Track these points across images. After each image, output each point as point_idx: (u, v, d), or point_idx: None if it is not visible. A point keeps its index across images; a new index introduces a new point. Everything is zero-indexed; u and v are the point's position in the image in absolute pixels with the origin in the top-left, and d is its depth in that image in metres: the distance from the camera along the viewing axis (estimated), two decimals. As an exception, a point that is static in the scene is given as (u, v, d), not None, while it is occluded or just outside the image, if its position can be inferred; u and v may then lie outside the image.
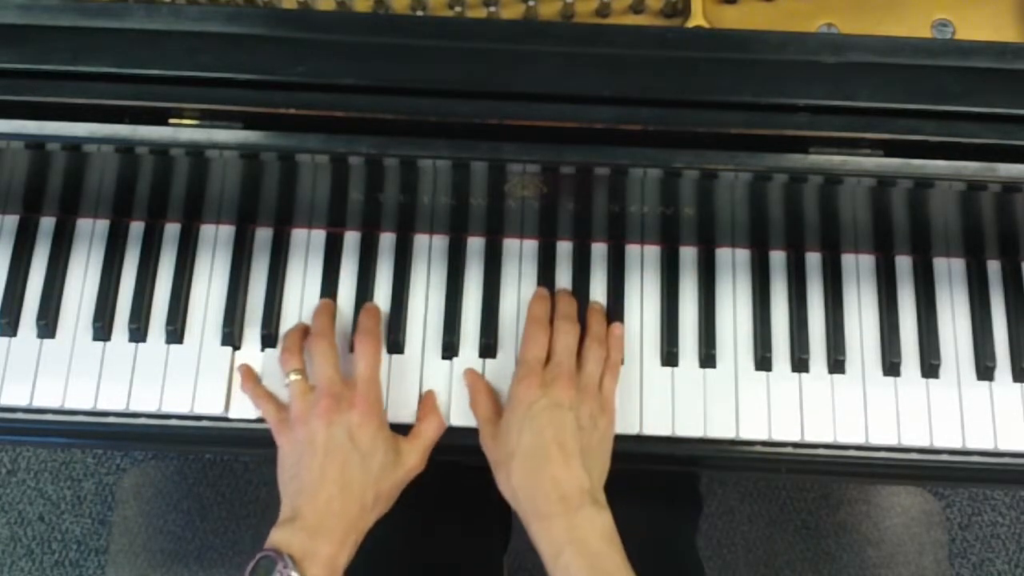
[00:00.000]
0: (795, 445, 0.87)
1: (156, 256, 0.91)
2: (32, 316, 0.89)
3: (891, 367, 0.88)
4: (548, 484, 0.76)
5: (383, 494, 0.80)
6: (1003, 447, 0.86)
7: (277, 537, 0.75)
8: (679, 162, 0.75)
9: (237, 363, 0.88)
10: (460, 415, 0.87)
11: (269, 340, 0.88)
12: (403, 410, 0.87)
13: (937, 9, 0.84)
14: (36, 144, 0.77)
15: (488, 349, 0.88)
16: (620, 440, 0.86)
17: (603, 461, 0.81)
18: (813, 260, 0.91)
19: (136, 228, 0.92)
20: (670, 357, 0.88)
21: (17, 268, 0.90)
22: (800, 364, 0.88)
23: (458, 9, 0.84)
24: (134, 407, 0.87)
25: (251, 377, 0.87)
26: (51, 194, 0.89)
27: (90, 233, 0.91)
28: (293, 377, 0.83)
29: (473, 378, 0.86)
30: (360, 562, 1.01)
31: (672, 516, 1.04)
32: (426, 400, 0.86)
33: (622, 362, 0.87)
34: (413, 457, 0.83)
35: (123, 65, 0.74)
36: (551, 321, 0.86)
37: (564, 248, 0.91)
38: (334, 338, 0.85)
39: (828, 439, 0.86)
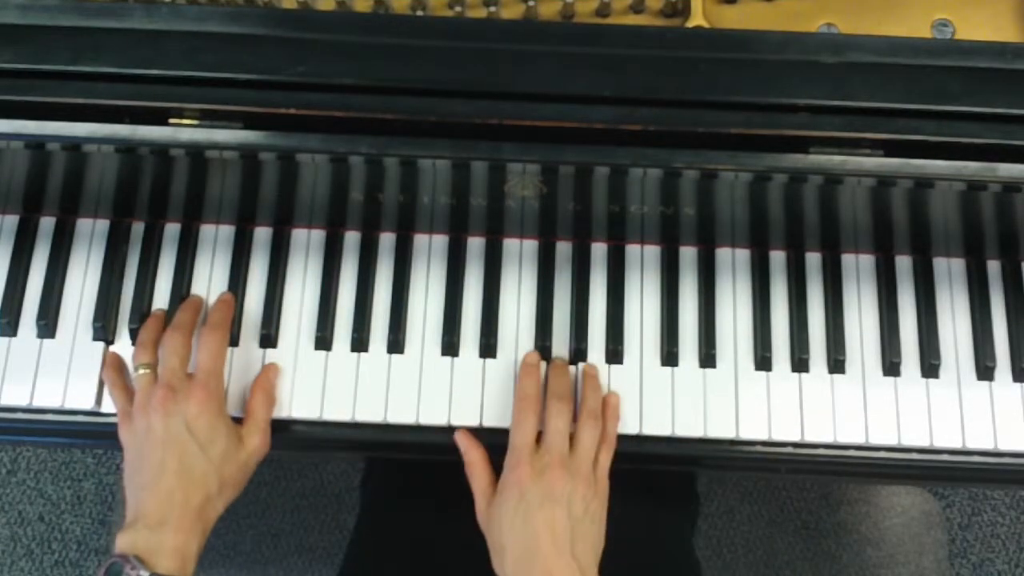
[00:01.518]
0: (795, 445, 0.87)
1: (156, 256, 0.91)
2: (32, 316, 0.89)
3: (891, 367, 0.88)
4: None
5: (228, 480, 0.81)
6: (1003, 447, 0.86)
7: (122, 542, 0.76)
8: (679, 162, 0.75)
9: (237, 363, 0.88)
10: (461, 415, 0.87)
11: (268, 340, 0.88)
12: (403, 411, 0.87)
13: (937, 9, 0.84)
14: (36, 144, 0.77)
15: (488, 349, 0.88)
16: (620, 440, 0.86)
17: (596, 544, 0.80)
18: (813, 260, 0.91)
19: (136, 228, 0.92)
20: (670, 357, 0.88)
21: (17, 268, 0.90)
22: (800, 364, 0.88)
23: (458, 9, 0.84)
24: (134, 407, 0.87)
25: (114, 365, 0.87)
26: (51, 194, 0.89)
27: (90, 233, 0.91)
28: (141, 371, 0.84)
29: (468, 444, 0.85)
30: (359, 561, 1.01)
31: (670, 516, 1.04)
32: (256, 381, 0.86)
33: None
34: (254, 439, 0.83)
35: (123, 65, 0.74)
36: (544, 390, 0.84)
37: (564, 248, 0.91)
38: (190, 334, 0.85)
39: (828, 439, 0.86)
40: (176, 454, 0.78)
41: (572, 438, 0.82)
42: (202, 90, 0.74)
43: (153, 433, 0.79)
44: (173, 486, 0.78)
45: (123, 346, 0.89)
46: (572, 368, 0.87)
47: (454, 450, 0.86)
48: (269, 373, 0.87)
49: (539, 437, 0.82)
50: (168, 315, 0.88)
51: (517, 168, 0.78)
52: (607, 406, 0.85)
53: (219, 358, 0.84)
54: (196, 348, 0.84)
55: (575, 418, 0.84)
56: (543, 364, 0.87)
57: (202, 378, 0.82)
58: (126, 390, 0.85)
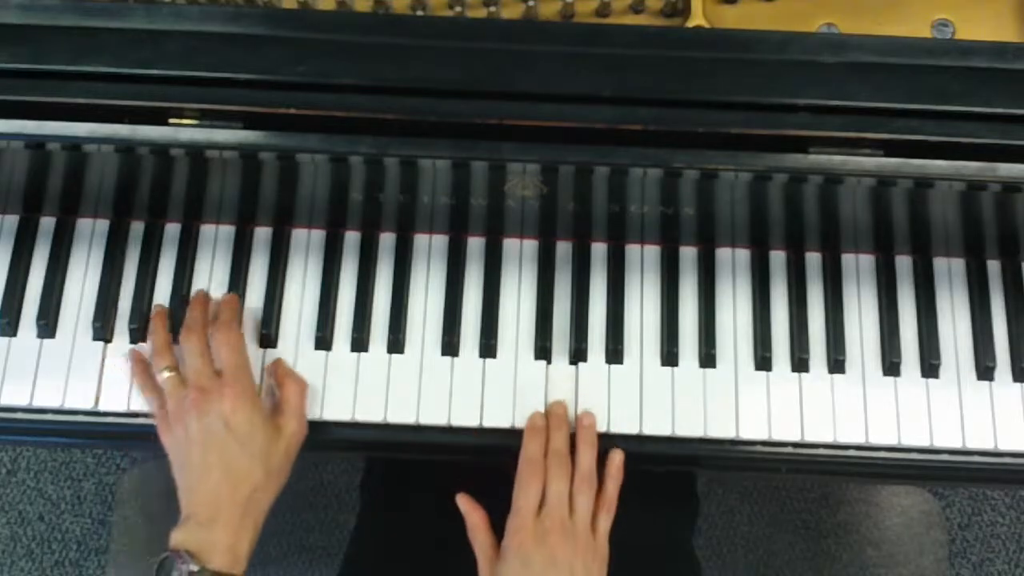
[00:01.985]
0: (795, 445, 0.87)
1: (156, 256, 0.91)
2: (32, 316, 0.89)
3: (891, 367, 0.88)
4: None
5: (272, 470, 0.81)
6: (1003, 447, 0.86)
7: (175, 538, 0.77)
8: (679, 162, 0.75)
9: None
10: (461, 415, 0.87)
11: (268, 340, 0.88)
12: (404, 411, 0.87)
13: (937, 9, 0.84)
14: (36, 144, 0.77)
15: (488, 349, 0.88)
16: (620, 440, 0.86)
17: None
18: (813, 260, 0.91)
19: (136, 228, 0.91)
20: (670, 357, 0.88)
21: (17, 268, 0.90)
22: (800, 364, 0.88)
23: (458, 9, 0.84)
24: (134, 407, 0.87)
25: (142, 364, 0.87)
26: (51, 194, 0.89)
27: (90, 233, 0.91)
28: (165, 375, 0.84)
29: (469, 508, 0.85)
30: (359, 561, 1.01)
31: (670, 516, 1.04)
32: (278, 369, 0.87)
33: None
34: (291, 424, 0.83)
35: (123, 65, 0.74)
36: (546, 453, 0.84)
37: (564, 248, 0.91)
38: (205, 331, 0.85)
39: (828, 439, 0.86)
40: (217, 453, 0.79)
41: (571, 500, 0.82)
42: (202, 90, 0.74)
43: (192, 436, 0.80)
44: (219, 484, 0.78)
45: (122, 346, 0.88)
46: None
47: (454, 450, 0.86)
48: (282, 362, 0.87)
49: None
50: (173, 315, 0.88)
51: (517, 168, 0.78)
52: (610, 464, 0.84)
53: (241, 352, 0.84)
54: (214, 347, 0.84)
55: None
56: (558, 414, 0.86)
57: (231, 374, 0.82)
58: (158, 390, 0.85)
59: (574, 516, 0.81)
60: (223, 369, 0.83)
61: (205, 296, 0.88)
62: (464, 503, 0.85)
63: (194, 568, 0.74)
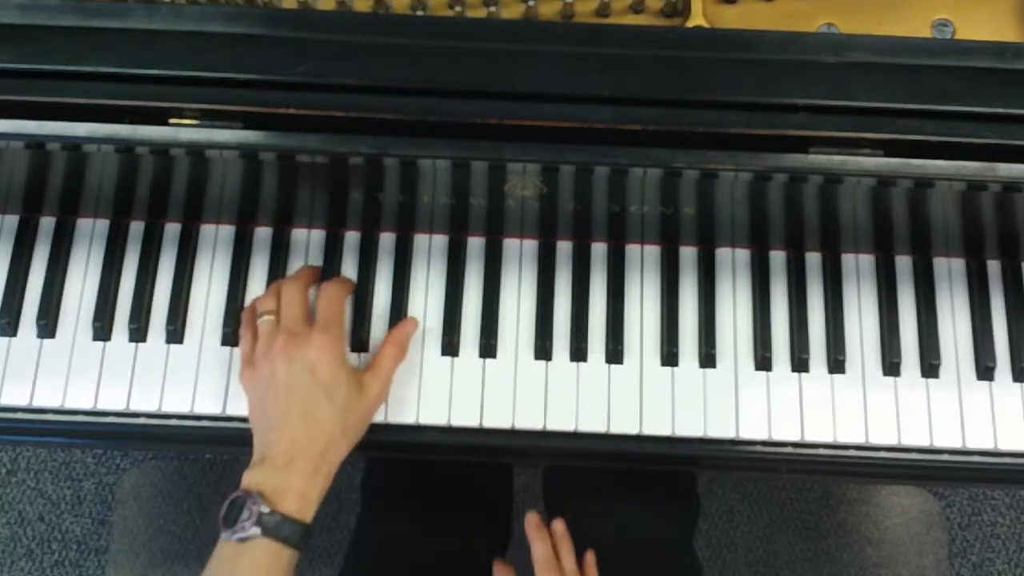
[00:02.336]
0: (795, 445, 0.87)
1: (156, 256, 0.91)
2: (32, 316, 0.89)
3: (891, 367, 0.88)
4: None
5: (351, 425, 0.81)
6: (1003, 447, 0.86)
7: (248, 479, 0.77)
8: (679, 162, 0.75)
9: (237, 363, 0.88)
10: (460, 415, 0.87)
11: (269, 340, 0.88)
12: (404, 411, 0.87)
13: (937, 9, 0.84)
14: (36, 144, 0.77)
15: (488, 349, 0.88)
16: (620, 440, 0.86)
17: None
18: (813, 260, 0.91)
19: (136, 228, 0.91)
20: (670, 357, 0.88)
21: (17, 268, 0.90)
22: (800, 364, 0.88)
23: (458, 9, 0.84)
24: (134, 407, 0.87)
25: (250, 308, 0.87)
26: (51, 194, 0.89)
27: (90, 233, 0.91)
28: (265, 317, 0.84)
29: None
30: (360, 561, 1.01)
31: (670, 516, 1.04)
32: (391, 333, 0.87)
33: None
34: (375, 386, 0.84)
35: (123, 65, 0.74)
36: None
37: (564, 248, 0.91)
38: (307, 285, 0.86)
39: (828, 439, 0.86)
40: (300, 399, 0.79)
41: None
42: (202, 90, 0.74)
43: (276, 378, 0.80)
44: (298, 430, 0.78)
45: (121, 344, 0.88)
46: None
47: (454, 450, 0.86)
48: (407, 326, 0.87)
49: None
50: (167, 312, 0.88)
51: (517, 168, 0.78)
52: (587, 564, 0.89)
53: (339, 305, 0.85)
54: (318, 297, 0.85)
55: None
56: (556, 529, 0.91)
57: (322, 324, 0.82)
58: (254, 334, 0.85)
59: None
60: (317, 319, 0.83)
61: (317, 270, 0.89)
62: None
63: (265, 509, 0.74)
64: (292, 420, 0.78)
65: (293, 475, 0.77)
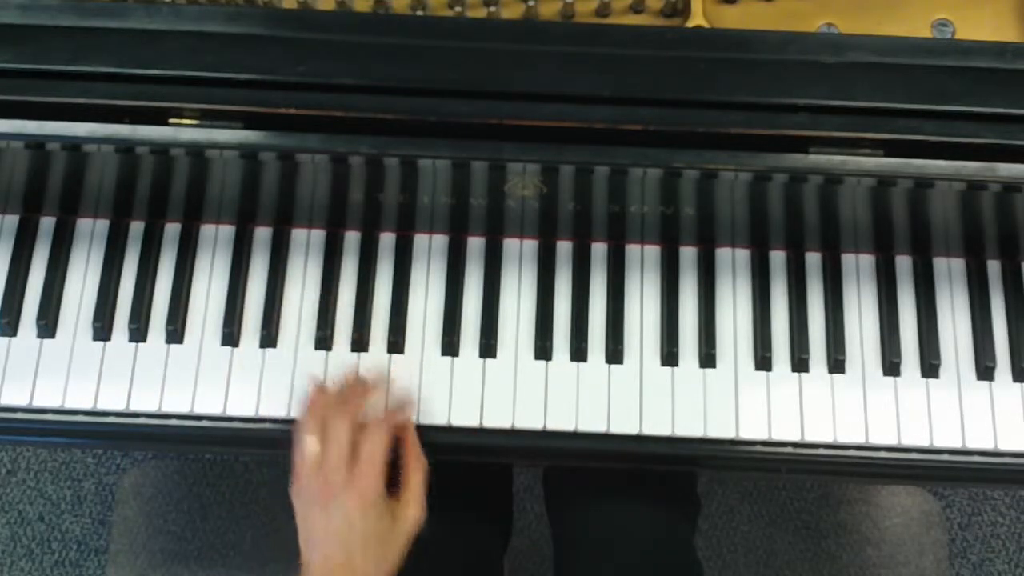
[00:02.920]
0: (795, 445, 0.87)
1: (156, 256, 0.91)
2: (32, 316, 0.89)
3: (891, 367, 0.88)
4: None
5: (387, 559, 0.81)
6: (1003, 447, 0.86)
7: None
8: (679, 162, 0.75)
9: (236, 362, 0.88)
10: (460, 415, 0.87)
11: (268, 340, 0.88)
12: (403, 411, 0.87)
13: (937, 9, 0.84)
14: (36, 144, 0.77)
15: (488, 349, 0.88)
16: (620, 440, 0.86)
17: None
18: (813, 260, 0.91)
19: (136, 228, 0.91)
20: (670, 357, 0.88)
21: (17, 268, 0.90)
22: (800, 364, 0.88)
23: (458, 9, 0.84)
24: (134, 407, 0.87)
25: (319, 401, 0.84)
26: (51, 194, 0.89)
27: (90, 233, 0.91)
28: (308, 440, 0.82)
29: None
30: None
31: (671, 516, 1.04)
32: (408, 446, 0.85)
33: None
34: (410, 510, 0.83)
35: (123, 65, 0.74)
36: None
37: (564, 248, 0.91)
38: (355, 419, 0.82)
39: (828, 439, 0.86)
40: (338, 544, 0.79)
41: None
42: (202, 90, 0.74)
43: (315, 519, 0.80)
44: (336, 569, 0.78)
45: (121, 344, 0.88)
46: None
47: (454, 450, 0.86)
48: (411, 431, 0.85)
49: None
50: (167, 312, 0.88)
51: (517, 168, 0.78)
52: None
53: (384, 454, 0.82)
54: (365, 433, 0.83)
55: None
56: None
57: (364, 470, 0.80)
58: (308, 440, 0.82)
59: None
60: (359, 459, 0.81)
61: (368, 386, 0.86)
62: None
63: None
64: (332, 556, 0.78)
65: None
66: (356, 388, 0.86)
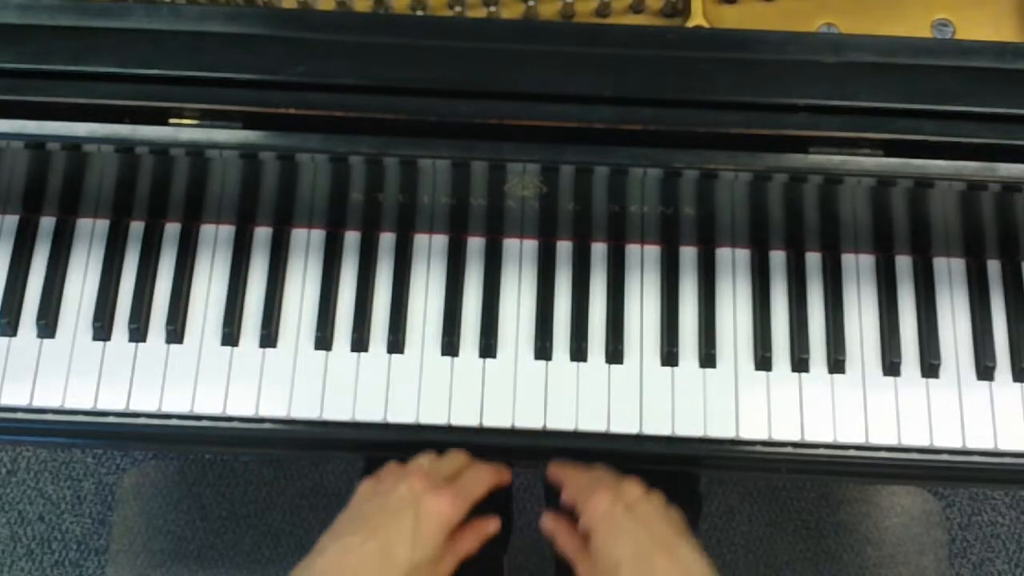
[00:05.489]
0: (795, 445, 0.87)
1: (156, 256, 0.91)
2: (32, 316, 0.89)
3: (891, 367, 0.88)
4: None
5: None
6: (1003, 447, 0.86)
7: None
8: (679, 162, 0.75)
9: (236, 362, 0.88)
10: (461, 415, 0.87)
11: (268, 340, 0.89)
12: (403, 410, 0.87)
13: (937, 9, 0.84)
14: (36, 144, 0.77)
15: (488, 349, 0.88)
16: (620, 440, 0.86)
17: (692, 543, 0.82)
18: (813, 260, 0.91)
19: (136, 228, 0.92)
20: (670, 357, 0.88)
21: (17, 268, 0.90)
22: (800, 364, 0.88)
23: (458, 9, 0.84)
24: (134, 407, 0.87)
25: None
26: (51, 194, 0.89)
27: (90, 233, 0.91)
28: (423, 460, 0.83)
29: (554, 525, 0.86)
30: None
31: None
32: (477, 529, 0.85)
33: None
34: (448, 563, 0.82)
35: (123, 65, 0.74)
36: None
37: (564, 248, 0.91)
38: (469, 504, 0.83)
39: (828, 439, 0.86)
40: (388, 529, 0.77)
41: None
42: (202, 90, 0.74)
43: (386, 498, 0.79)
44: (368, 557, 0.76)
45: (121, 344, 0.88)
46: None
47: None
48: (490, 528, 0.86)
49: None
50: (167, 312, 0.88)
51: (517, 168, 0.78)
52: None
53: (480, 490, 0.83)
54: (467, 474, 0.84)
55: None
56: None
57: (457, 489, 0.81)
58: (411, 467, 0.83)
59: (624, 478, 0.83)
60: (458, 483, 0.82)
61: (502, 485, 0.88)
62: (548, 523, 0.87)
63: None
64: (366, 548, 0.76)
65: None
66: (463, 466, 0.86)
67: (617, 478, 0.84)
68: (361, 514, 0.80)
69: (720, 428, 0.86)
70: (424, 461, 0.84)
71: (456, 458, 0.85)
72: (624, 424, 0.86)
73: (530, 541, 1.50)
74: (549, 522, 0.87)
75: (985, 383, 0.88)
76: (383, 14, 0.83)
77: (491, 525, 0.86)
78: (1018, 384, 0.88)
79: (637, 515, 0.80)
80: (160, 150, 0.77)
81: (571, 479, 0.86)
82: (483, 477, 0.85)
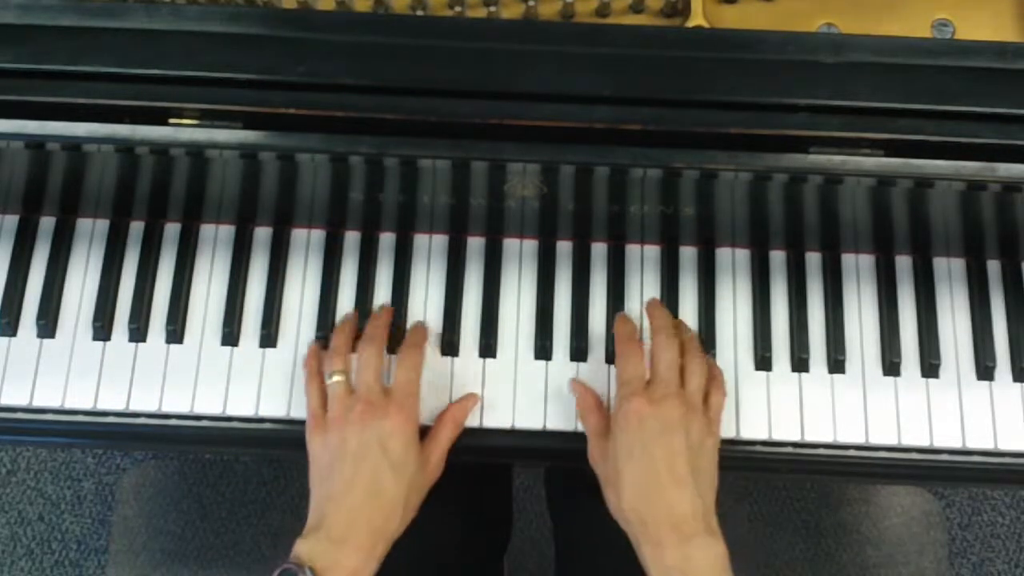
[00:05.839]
0: (795, 445, 0.87)
1: (156, 256, 0.91)
2: (32, 316, 0.89)
3: (891, 367, 0.88)
4: (661, 510, 0.74)
5: (411, 503, 0.80)
6: (1003, 447, 0.86)
7: (301, 548, 0.75)
8: (679, 162, 0.75)
9: (236, 362, 0.88)
10: (460, 415, 0.87)
11: (268, 340, 0.88)
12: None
13: (937, 9, 0.84)
14: (36, 144, 0.77)
15: (488, 349, 0.88)
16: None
17: (713, 483, 0.78)
18: (813, 260, 0.91)
19: (136, 228, 0.92)
20: (670, 357, 0.88)
21: (17, 268, 0.90)
22: (800, 364, 0.88)
23: (458, 9, 0.84)
24: (134, 407, 0.87)
25: (316, 357, 0.85)
26: (51, 194, 0.89)
27: (90, 233, 0.91)
28: (336, 378, 0.82)
29: (582, 392, 0.85)
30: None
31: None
32: (450, 409, 0.85)
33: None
34: (434, 460, 0.82)
35: (123, 65, 0.74)
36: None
37: (564, 248, 0.91)
38: (383, 345, 0.83)
39: (828, 439, 0.86)
40: (367, 472, 0.77)
41: (682, 373, 0.81)
42: (202, 90, 0.74)
43: (347, 447, 0.78)
44: (360, 504, 0.76)
45: (121, 344, 0.88)
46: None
47: (454, 450, 0.86)
48: (467, 404, 0.86)
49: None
50: (167, 312, 0.88)
51: (517, 168, 0.78)
52: (711, 367, 0.84)
53: (417, 377, 0.83)
54: (395, 364, 0.83)
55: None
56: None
57: (400, 397, 0.80)
58: (322, 390, 0.83)
59: (687, 387, 0.80)
60: (394, 388, 0.81)
61: (391, 312, 0.87)
62: (577, 386, 0.85)
63: None
64: (355, 492, 0.76)
65: (349, 551, 0.74)
66: (376, 318, 0.86)
67: (686, 381, 0.80)
68: (332, 472, 0.78)
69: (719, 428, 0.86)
70: (343, 384, 0.81)
71: (372, 356, 0.82)
72: (624, 424, 0.86)
73: (530, 541, 1.50)
74: (579, 389, 0.85)
75: (985, 383, 0.88)
76: (383, 14, 0.83)
77: (469, 400, 0.85)
78: (1018, 384, 0.88)
79: (668, 440, 0.75)
80: (160, 150, 0.77)
81: (658, 319, 0.83)
82: (412, 360, 0.83)
